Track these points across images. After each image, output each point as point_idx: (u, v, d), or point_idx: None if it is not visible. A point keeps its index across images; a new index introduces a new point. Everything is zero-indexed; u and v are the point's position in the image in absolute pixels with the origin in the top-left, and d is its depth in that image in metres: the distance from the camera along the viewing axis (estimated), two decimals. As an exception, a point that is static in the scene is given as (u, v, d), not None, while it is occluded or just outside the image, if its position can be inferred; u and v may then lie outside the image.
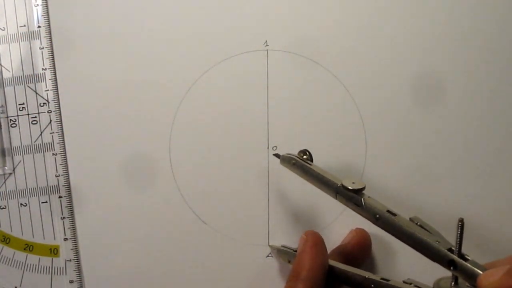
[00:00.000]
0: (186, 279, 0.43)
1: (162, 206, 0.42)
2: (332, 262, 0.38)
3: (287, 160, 0.40)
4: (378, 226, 0.34)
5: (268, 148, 0.42)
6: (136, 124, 0.42)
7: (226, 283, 0.43)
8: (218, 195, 0.42)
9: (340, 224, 0.43)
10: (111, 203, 0.42)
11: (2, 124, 0.41)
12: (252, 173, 0.42)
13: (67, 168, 0.42)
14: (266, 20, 0.42)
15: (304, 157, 0.39)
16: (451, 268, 0.31)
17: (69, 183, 0.42)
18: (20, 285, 0.42)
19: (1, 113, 0.41)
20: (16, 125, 0.42)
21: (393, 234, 0.34)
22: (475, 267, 0.30)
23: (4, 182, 0.42)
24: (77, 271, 0.42)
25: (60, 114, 0.42)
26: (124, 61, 0.41)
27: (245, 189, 0.43)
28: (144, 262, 0.43)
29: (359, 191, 0.35)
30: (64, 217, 0.42)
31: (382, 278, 0.35)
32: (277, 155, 0.41)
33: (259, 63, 0.42)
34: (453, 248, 0.31)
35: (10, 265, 0.42)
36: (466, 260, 0.30)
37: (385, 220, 0.34)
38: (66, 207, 0.42)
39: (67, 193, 0.42)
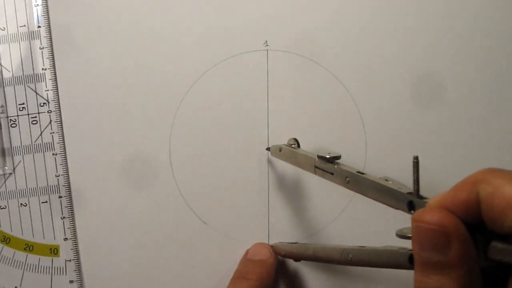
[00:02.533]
0: (186, 279, 0.43)
1: (162, 206, 0.42)
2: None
3: (275, 149, 0.41)
4: (350, 189, 0.34)
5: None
6: (136, 124, 0.42)
7: (226, 283, 0.43)
8: (218, 195, 0.42)
9: (340, 224, 0.43)
10: (111, 203, 0.42)
11: (2, 124, 0.41)
12: (252, 173, 0.42)
13: (67, 168, 0.42)
14: (266, 20, 0.42)
15: (293, 145, 0.40)
16: (411, 212, 0.30)
17: (69, 183, 0.42)
18: (20, 285, 0.42)
19: (1, 113, 0.41)
20: (16, 125, 0.42)
21: (361, 193, 0.33)
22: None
23: (4, 182, 0.42)
24: (77, 271, 0.42)
25: (60, 114, 0.42)
26: (124, 61, 0.41)
27: (245, 189, 0.43)
28: (144, 262, 0.43)
29: (333, 160, 0.36)
30: (64, 217, 0.42)
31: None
32: (267, 149, 0.42)
33: (259, 63, 0.42)
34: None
35: (10, 265, 0.42)
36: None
37: (354, 180, 0.34)
38: (66, 207, 0.42)
39: (67, 193, 0.42)
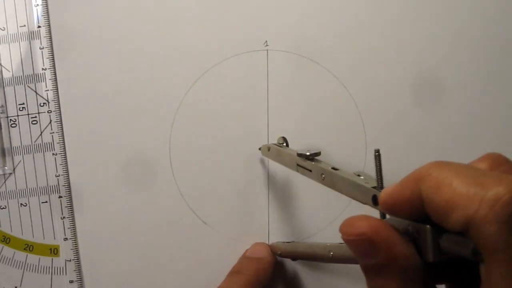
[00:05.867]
0: (186, 279, 0.43)
1: (162, 206, 0.42)
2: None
3: (264, 149, 0.41)
4: (326, 185, 0.34)
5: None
6: (136, 124, 0.42)
7: (226, 283, 0.43)
8: (218, 195, 0.42)
9: (340, 224, 0.43)
10: (111, 203, 0.42)
11: (2, 124, 0.41)
12: (252, 173, 0.42)
13: (67, 168, 0.42)
14: (266, 20, 0.42)
15: (281, 144, 0.40)
16: (377, 206, 0.29)
17: (69, 183, 0.42)
18: (20, 285, 0.42)
19: (1, 113, 0.41)
20: (16, 125, 0.42)
21: (336, 189, 0.33)
22: None
23: (4, 182, 0.42)
24: (77, 271, 0.42)
25: (60, 114, 0.42)
26: (124, 61, 0.41)
27: (245, 189, 0.43)
28: (144, 262, 0.43)
29: (313, 157, 0.35)
30: (64, 217, 0.42)
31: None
32: (259, 149, 0.42)
33: (259, 63, 0.42)
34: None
35: (10, 265, 0.42)
36: None
37: (328, 176, 0.34)
38: (66, 207, 0.42)
39: (67, 193, 0.42)
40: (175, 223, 0.42)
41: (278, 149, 0.39)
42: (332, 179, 0.33)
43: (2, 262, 0.42)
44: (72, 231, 0.42)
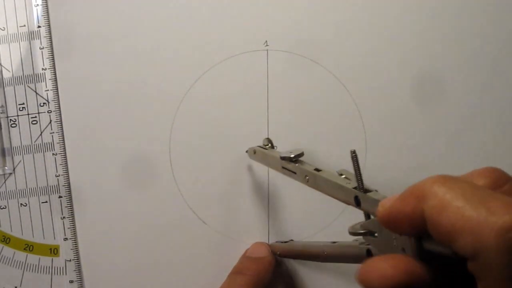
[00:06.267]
0: (186, 279, 0.43)
1: (162, 206, 0.42)
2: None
3: (251, 151, 0.41)
4: (310, 186, 0.34)
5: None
6: (136, 124, 0.42)
7: (226, 283, 0.43)
8: (218, 195, 0.42)
9: (340, 224, 0.43)
10: (111, 203, 0.42)
11: (2, 124, 0.41)
12: (252, 173, 0.42)
13: (67, 168, 0.42)
14: (266, 20, 0.42)
15: (267, 146, 0.40)
16: (359, 206, 0.29)
17: (69, 183, 0.42)
18: (20, 285, 0.42)
19: (1, 113, 0.41)
20: (16, 125, 0.42)
21: (320, 191, 0.33)
22: (375, 197, 0.28)
23: (4, 182, 0.42)
24: (77, 271, 0.42)
25: (60, 114, 0.42)
26: (124, 61, 0.41)
27: (245, 189, 0.43)
28: (144, 262, 0.43)
29: (295, 159, 0.35)
30: (64, 217, 0.42)
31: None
32: (246, 151, 0.42)
33: (259, 63, 0.42)
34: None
35: (10, 265, 0.42)
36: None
37: (312, 177, 0.33)
38: (66, 207, 0.42)
39: (67, 193, 0.42)
40: (175, 223, 0.42)
41: (263, 152, 0.39)
42: (315, 180, 0.33)
43: (2, 262, 0.42)
44: (72, 231, 0.42)
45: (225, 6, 0.41)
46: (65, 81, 0.41)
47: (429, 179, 0.22)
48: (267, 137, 0.41)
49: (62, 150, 0.42)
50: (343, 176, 0.32)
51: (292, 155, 0.35)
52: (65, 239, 0.42)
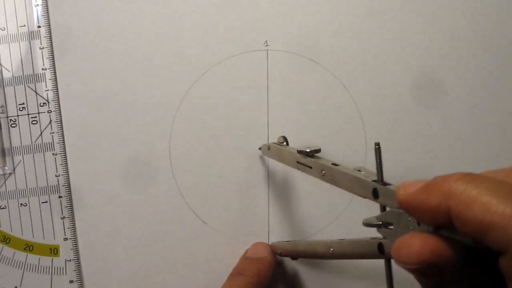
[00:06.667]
0: (186, 278, 0.43)
1: (162, 206, 0.42)
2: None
3: (264, 148, 0.41)
4: (327, 181, 0.34)
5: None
6: (136, 124, 0.42)
7: (226, 283, 0.43)
8: (218, 195, 0.42)
9: (340, 224, 0.43)
10: (111, 203, 0.42)
11: (2, 124, 0.41)
12: (252, 173, 0.42)
13: (67, 168, 0.42)
14: (266, 20, 0.42)
15: (281, 143, 0.40)
16: (377, 199, 0.29)
17: (69, 183, 0.42)
18: (20, 285, 0.42)
19: (1, 113, 0.41)
20: (16, 125, 0.42)
21: (336, 185, 0.33)
22: (394, 190, 0.27)
23: (4, 182, 0.42)
24: (77, 271, 0.42)
25: (60, 114, 0.42)
26: (124, 61, 0.41)
27: (245, 189, 0.43)
28: (144, 262, 0.43)
29: (312, 154, 0.35)
30: (64, 217, 0.42)
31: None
32: (259, 148, 0.42)
33: (259, 63, 0.42)
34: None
35: (10, 265, 0.42)
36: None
37: (329, 172, 0.33)
38: (66, 207, 0.42)
39: (67, 193, 0.42)
40: (175, 223, 0.42)
41: (278, 148, 0.40)
42: (332, 174, 0.33)
43: (2, 262, 0.42)
44: (72, 231, 0.42)
45: (225, 6, 0.41)
46: (65, 81, 0.41)
47: (453, 176, 0.23)
48: (282, 135, 0.41)
49: (62, 150, 0.42)
50: (362, 172, 0.32)
51: (309, 150, 0.36)
52: (65, 239, 0.42)
